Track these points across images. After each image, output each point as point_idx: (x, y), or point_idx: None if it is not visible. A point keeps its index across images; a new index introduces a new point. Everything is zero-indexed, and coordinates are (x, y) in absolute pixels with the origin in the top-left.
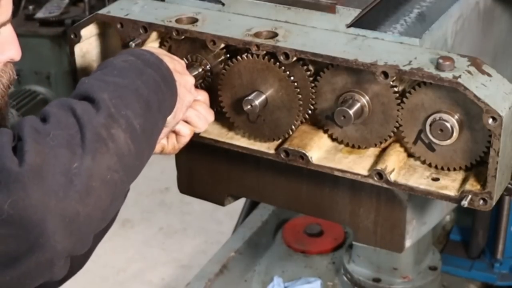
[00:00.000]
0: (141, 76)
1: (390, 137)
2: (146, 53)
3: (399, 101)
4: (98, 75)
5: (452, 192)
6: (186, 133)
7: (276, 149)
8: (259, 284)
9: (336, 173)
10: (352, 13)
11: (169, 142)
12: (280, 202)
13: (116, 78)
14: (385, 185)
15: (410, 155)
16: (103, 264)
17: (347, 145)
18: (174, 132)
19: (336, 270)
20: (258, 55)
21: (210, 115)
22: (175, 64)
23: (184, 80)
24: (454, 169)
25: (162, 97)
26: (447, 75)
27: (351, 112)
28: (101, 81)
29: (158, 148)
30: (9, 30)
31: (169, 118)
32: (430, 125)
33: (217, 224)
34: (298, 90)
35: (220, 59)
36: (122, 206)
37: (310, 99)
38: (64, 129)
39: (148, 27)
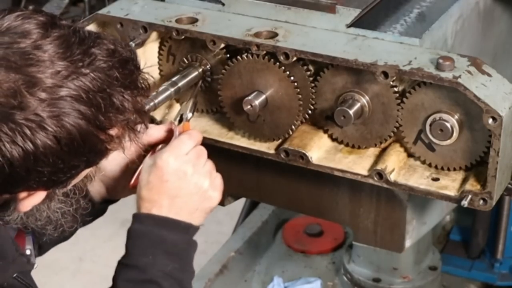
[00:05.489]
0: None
1: (390, 137)
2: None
3: (399, 101)
4: None
5: (452, 192)
6: None
7: (276, 149)
8: (259, 284)
9: (336, 173)
10: (352, 13)
11: None
12: (280, 202)
13: None
14: (385, 185)
15: (410, 155)
16: (103, 264)
17: (347, 145)
18: None
19: (336, 270)
20: (258, 55)
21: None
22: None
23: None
24: (454, 169)
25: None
26: (447, 75)
27: (351, 112)
28: None
29: None
30: None
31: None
32: (430, 125)
33: (217, 224)
34: (298, 90)
35: (220, 59)
36: (122, 206)
37: (310, 99)
38: None
39: (148, 27)
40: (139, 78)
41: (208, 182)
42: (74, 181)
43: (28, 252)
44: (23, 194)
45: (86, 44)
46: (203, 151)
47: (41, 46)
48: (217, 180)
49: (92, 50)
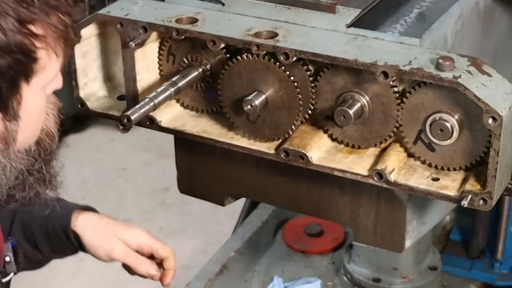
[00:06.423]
0: None
1: (390, 137)
2: None
3: (399, 101)
4: None
5: (452, 192)
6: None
7: (276, 149)
8: (259, 284)
9: (336, 173)
10: (352, 13)
11: None
12: (280, 202)
13: None
14: (385, 185)
15: (410, 155)
16: (103, 264)
17: (347, 145)
18: None
19: (336, 270)
20: (258, 55)
21: None
22: None
23: None
24: (454, 169)
25: None
26: (447, 75)
27: (351, 112)
28: None
29: None
30: None
31: None
32: (430, 125)
33: (217, 224)
34: (298, 90)
35: (220, 59)
36: (122, 205)
37: (310, 99)
38: None
39: (148, 27)
40: None
41: None
42: (21, 109)
43: (7, 259)
44: None
45: None
46: None
47: None
48: None
49: None
